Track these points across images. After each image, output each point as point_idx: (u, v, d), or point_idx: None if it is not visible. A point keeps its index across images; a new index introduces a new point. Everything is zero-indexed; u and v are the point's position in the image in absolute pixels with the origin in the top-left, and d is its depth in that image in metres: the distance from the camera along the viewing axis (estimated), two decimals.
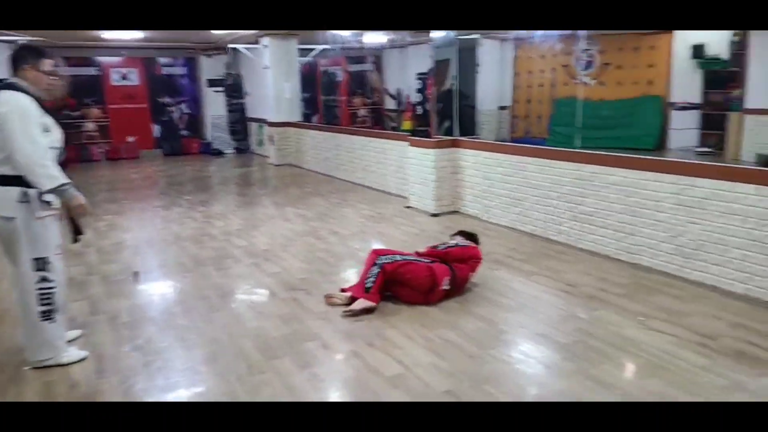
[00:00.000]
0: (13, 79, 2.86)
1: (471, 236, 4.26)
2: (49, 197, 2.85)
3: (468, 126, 6.84)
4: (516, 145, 5.88)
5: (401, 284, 3.75)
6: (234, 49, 11.96)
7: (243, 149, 13.09)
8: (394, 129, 12.80)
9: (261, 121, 11.84)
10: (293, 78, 10.74)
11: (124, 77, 12.59)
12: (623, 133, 9.84)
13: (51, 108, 2.97)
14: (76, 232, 3.02)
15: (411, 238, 5.43)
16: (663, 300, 3.72)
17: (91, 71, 12.24)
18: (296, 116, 10.87)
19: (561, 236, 5.08)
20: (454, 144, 6.39)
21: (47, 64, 2.94)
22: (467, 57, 6.79)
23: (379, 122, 14.28)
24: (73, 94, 11.98)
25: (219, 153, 12.95)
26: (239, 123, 12.81)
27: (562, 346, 3.16)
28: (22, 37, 8.99)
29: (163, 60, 12.92)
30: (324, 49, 11.59)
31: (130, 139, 12.69)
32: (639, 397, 2.62)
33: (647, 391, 2.66)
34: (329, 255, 5.01)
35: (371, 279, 3.67)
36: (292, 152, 10.81)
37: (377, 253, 3.82)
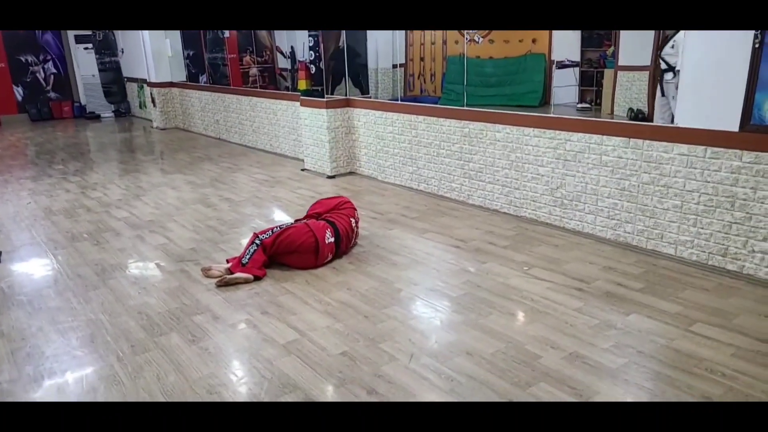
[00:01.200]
0: None
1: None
2: None
3: (361, 85, 6.74)
4: (405, 103, 5.89)
5: (287, 253, 3.70)
6: None
7: (123, 112, 12.09)
8: (287, 89, 12.40)
9: (141, 82, 10.95)
10: (174, 34, 9.98)
11: None
12: (511, 90, 10.23)
13: None
14: None
15: (308, 202, 5.31)
16: (544, 249, 3.97)
17: None
18: (180, 76, 10.16)
19: (453, 193, 5.22)
20: (347, 104, 6.29)
21: None
22: None
23: (272, 82, 13.73)
24: None
25: (95, 117, 11.86)
26: (115, 83, 11.75)
27: (453, 300, 3.27)
28: None
29: None
30: None
31: None
32: (524, 342, 2.79)
33: (530, 336, 2.84)
34: (220, 223, 4.80)
35: (248, 255, 3.62)
36: (179, 115, 10.16)
37: (256, 234, 3.75)
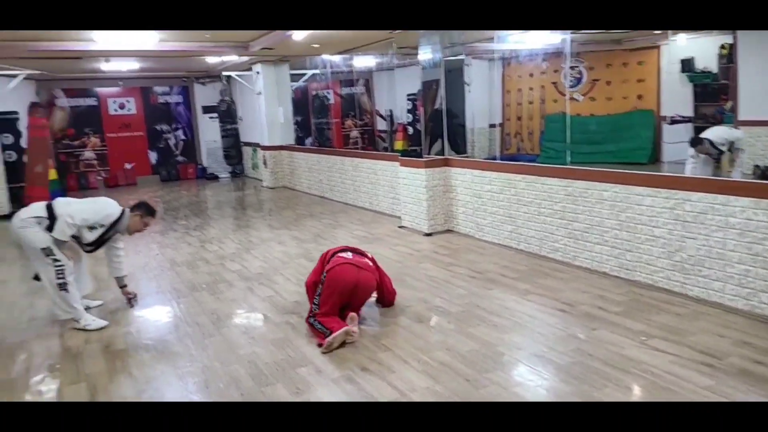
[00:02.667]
0: (126, 213, 4.19)
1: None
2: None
3: (458, 144, 6.86)
4: (504, 162, 5.89)
5: (353, 297, 3.72)
6: (228, 76, 12.07)
7: (238, 173, 13.13)
8: (386, 150, 12.86)
9: (255, 146, 11.89)
10: (286, 102, 10.83)
11: (121, 107, 12.68)
12: (616, 147, 9.90)
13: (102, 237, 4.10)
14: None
15: (405, 258, 5.41)
16: (664, 318, 3.68)
17: (89, 102, 12.33)
18: (289, 140, 10.92)
19: (556, 253, 5.06)
20: (445, 163, 6.40)
21: (150, 220, 4.31)
22: (455, 77, 6.83)
23: (371, 143, 14.35)
24: (73, 124, 12.08)
25: (214, 177, 12.98)
26: (233, 148, 12.85)
27: (560, 368, 3.11)
28: (22, 71, 9.03)
29: (158, 89, 13.02)
30: (314, 74, 11.69)
31: (128, 166, 12.75)
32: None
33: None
34: None
35: (321, 329, 3.54)
36: (286, 175, 10.84)
37: (307, 320, 3.74)
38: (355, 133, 14.37)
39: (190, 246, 6.38)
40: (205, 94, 13.34)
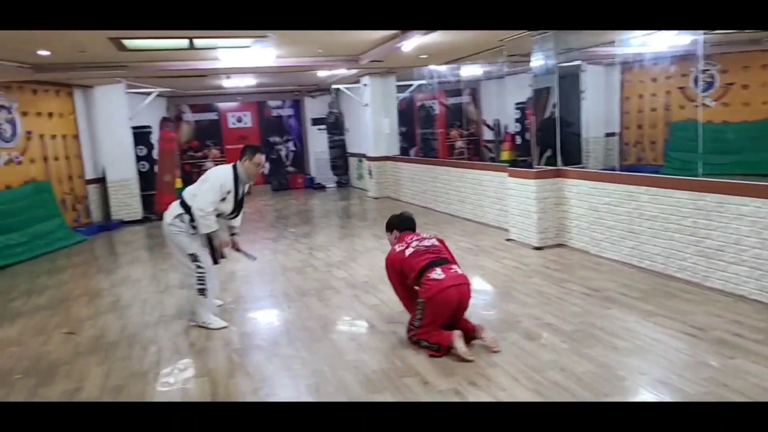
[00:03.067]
0: (237, 163, 4.16)
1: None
2: (194, 226, 4.10)
3: (572, 155, 6.53)
4: (624, 173, 5.50)
5: (456, 312, 3.61)
6: (336, 89, 12.51)
7: (344, 183, 13.52)
8: (492, 160, 12.60)
9: (360, 156, 12.18)
10: (391, 113, 10.99)
11: (239, 120, 13.60)
12: (756, 157, 8.90)
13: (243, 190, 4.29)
14: (220, 256, 4.30)
15: (512, 272, 5.23)
16: None
17: (211, 116, 13.37)
18: (394, 150, 11.06)
19: (684, 273, 4.63)
20: (558, 174, 6.13)
21: (258, 158, 4.14)
22: (569, 83, 6.54)
23: (477, 154, 14.13)
24: (197, 137, 13.14)
25: (321, 187, 13.46)
26: (340, 158, 13.26)
27: (691, 398, 2.82)
28: (155, 89, 10.00)
29: (272, 103, 13.80)
30: (420, 85, 11.77)
31: None
32: None
33: None
34: None
35: (428, 346, 3.51)
36: (390, 185, 10.97)
37: (410, 339, 3.69)
38: (460, 144, 14.25)
39: (299, 253, 6.63)
40: (314, 107, 13.93)
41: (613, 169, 5.86)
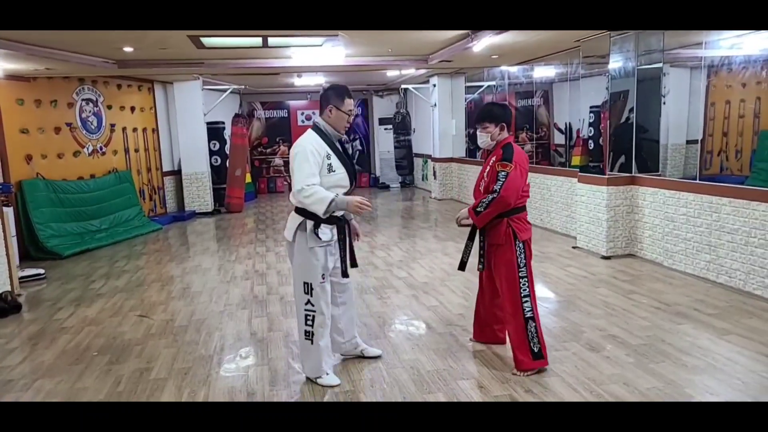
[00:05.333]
0: (318, 119, 3.12)
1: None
2: (324, 232, 3.05)
3: (648, 162, 6.23)
4: (707, 183, 5.18)
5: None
6: (405, 89, 12.54)
7: (408, 183, 13.53)
8: (562, 165, 12.21)
9: (426, 157, 12.15)
10: (459, 115, 10.90)
11: (308, 118, 13.92)
12: None
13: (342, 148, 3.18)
14: (352, 261, 3.25)
15: (578, 281, 5.05)
16: None
17: (281, 113, 13.76)
18: (460, 152, 10.96)
19: (765, 291, 4.31)
20: (631, 181, 5.87)
21: (348, 104, 3.09)
22: (649, 87, 6.24)
23: (545, 158, 13.75)
24: (267, 134, 13.57)
25: (386, 187, 13.54)
26: (405, 158, 13.29)
27: None
28: (229, 86, 10.42)
29: None
30: (490, 86, 11.59)
31: None
32: None
33: None
34: None
35: (534, 341, 3.20)
36: (455, 187, 10.88)
37: (515, 302, 3.22)
38: (528, 147, 13.92)
39: (360, 251, 6.66)
40: (381, 107, 14.03)
41: (694, 179, 5.52)
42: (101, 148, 8.27)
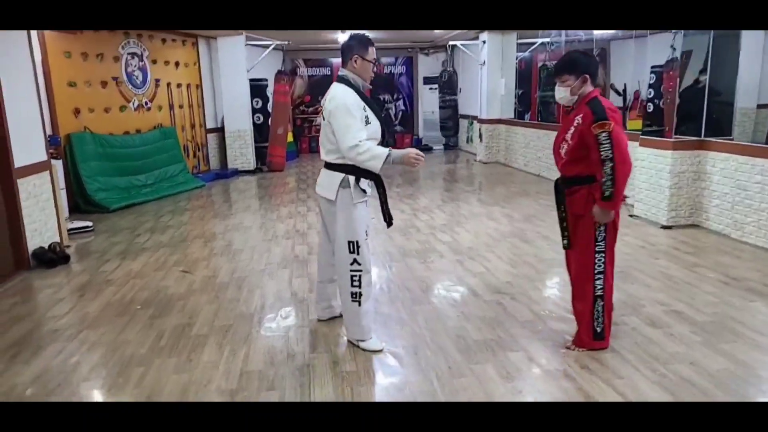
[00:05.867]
0: (344, 71, 3.00)
1: None
2: (364, 185, 2.97)
3: (720, 126, 5.74)
4: None
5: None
6: (453, 46, 12.05)
7: (452, 146, 13.17)
8: None
9: (472, 118, 11.74)
10: (509, 74, 10.41)
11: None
12: None
13: (370, 97, 3.10)
14: (389, 217, 3.16)
15: (636, 251, 4.74)
16: None
17: (324, 71, 13.47)
18: (509, 113, 10.51)
19: None
20: (700, 146, 5.43)
21: (372, 52, 2.99)
22: (724, 45, 5.69)
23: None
24: (310, 92, 13.35)
25: (428, 148, 13.22)
26: (450, 119, 12.89)
27: None
28: (272, 41, 10.21)
29: (385, 59, 13.62)
30: (543, 43, 10.98)
31: None
32: None
33: None
34: (538, 260, 4.62)
35: (599, 321, 2.95)
36: (501, 150, 10.49)
37: (587, 277, 2.93)
38: None
39: (402, 213, 6.52)
40: (427, 65, 13.58)
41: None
42: (146, 104, 8.27)
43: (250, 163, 10.06)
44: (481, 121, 10.70)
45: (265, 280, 4.26)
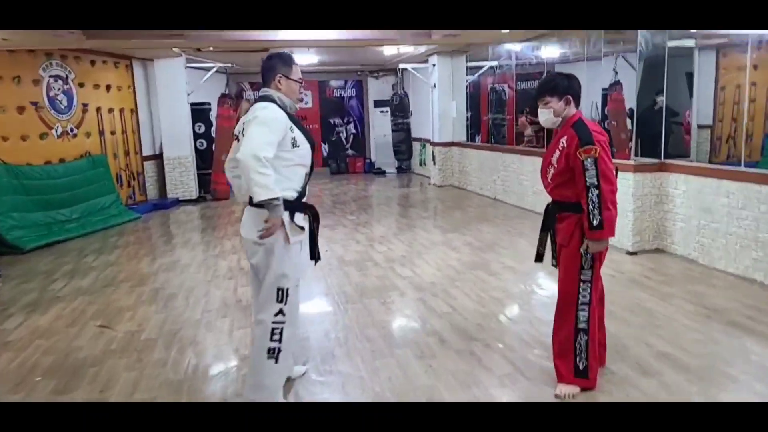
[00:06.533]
0: (267, 90, 2.63)
1: None
2: (300, 220, 2.58)
3: (676, 147, 5.63)
4: (755, 170, 4.57)
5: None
6: (403, 69, 11.82)
7: (404, 169, 12.87)
8: None
9: (424, 141, 11.49)
10: (459, 96, 10.24)
11: (299, 100, 13.13)
12: None
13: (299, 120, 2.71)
14: (318, 254, 2.77)
15: (607, 281, 4.40)
16: None
17: None
18: (461, 135, 10.31)
19: None
20: (661, 168, 5.26)
21: (297, 71, 2.68)
22: (680, 65, 5.61)
23: (548, 143, 13.14)
24: None
25: (381, 172, 12.87)
26: (404, 143, 12.60)
27: None
28: (215, 64, 9.64)
29: (334, 83, 13.27)
30: (492, 67, 10.90)
31: None
32: None
33: None
34: (506, 295, 4.25)
35: (582, 356, 2.68)
36: (455, 173, 10.25)
37: (569, 308, 2.70)
38: (529, 131, 13.28)
39: (358, 244, 6.07)
40: (377, 88, 13.31)
41: (738, 165, 4.94)
42: (72, 130, 7.51)
43: (192, 191, 9.39)
44: (434, 144, 10.44)
45: (201, 333, 3.67)
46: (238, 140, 2.56)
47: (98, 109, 8.02)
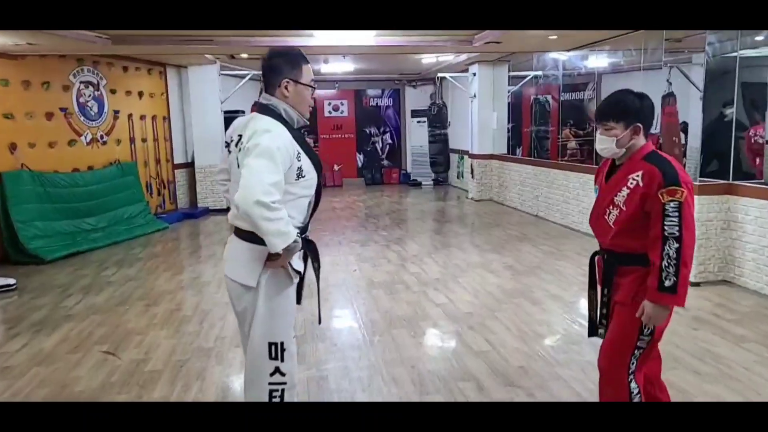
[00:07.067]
0: (270, 99, 2.08)
1: None
2: (296, 262, 2.11)
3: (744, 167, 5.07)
4: None
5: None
6: (441, 78, 11.44)
7: (441, 181, 12.43)
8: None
9: (462, 153, 11.05)
10: (501, 107, 9.77)
11: (335, 109, 12.92)
12: None
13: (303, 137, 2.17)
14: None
15: (672, 320, 3.91)
16: None
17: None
18: (501, 148, 9.83)
19: None
20: (728, 190, 4.69)
21: (308, 72, 2.11)
22: (755, 75, 5.05)
23: (591, 157, 12.47)
24: None
25: (417, 184, 12.48)
26: (441, 154, 12.16)
27: None
28: (249, 71, 9.46)
29: (371, 91, 12.99)
30: (535, 76, 10.39)
31: (336, 167, 12.91)
32: None
33: None
34: (551, 331, 3.79)
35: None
36: (494, 187, 9.76)
37: (622, 371, 2.17)
38: (573, 144, 12.65)
39: (389, 263, 5.67)
40: (415, 98, 12.95)
41: None
42: (102, 137, 7.40)
43: (222, 201, 9.20)
44: (473, 156, 9.99)
45: (210, 366, 3.33)
46: (230, 151, 2.08)
47: (130, 116, 7.91)
